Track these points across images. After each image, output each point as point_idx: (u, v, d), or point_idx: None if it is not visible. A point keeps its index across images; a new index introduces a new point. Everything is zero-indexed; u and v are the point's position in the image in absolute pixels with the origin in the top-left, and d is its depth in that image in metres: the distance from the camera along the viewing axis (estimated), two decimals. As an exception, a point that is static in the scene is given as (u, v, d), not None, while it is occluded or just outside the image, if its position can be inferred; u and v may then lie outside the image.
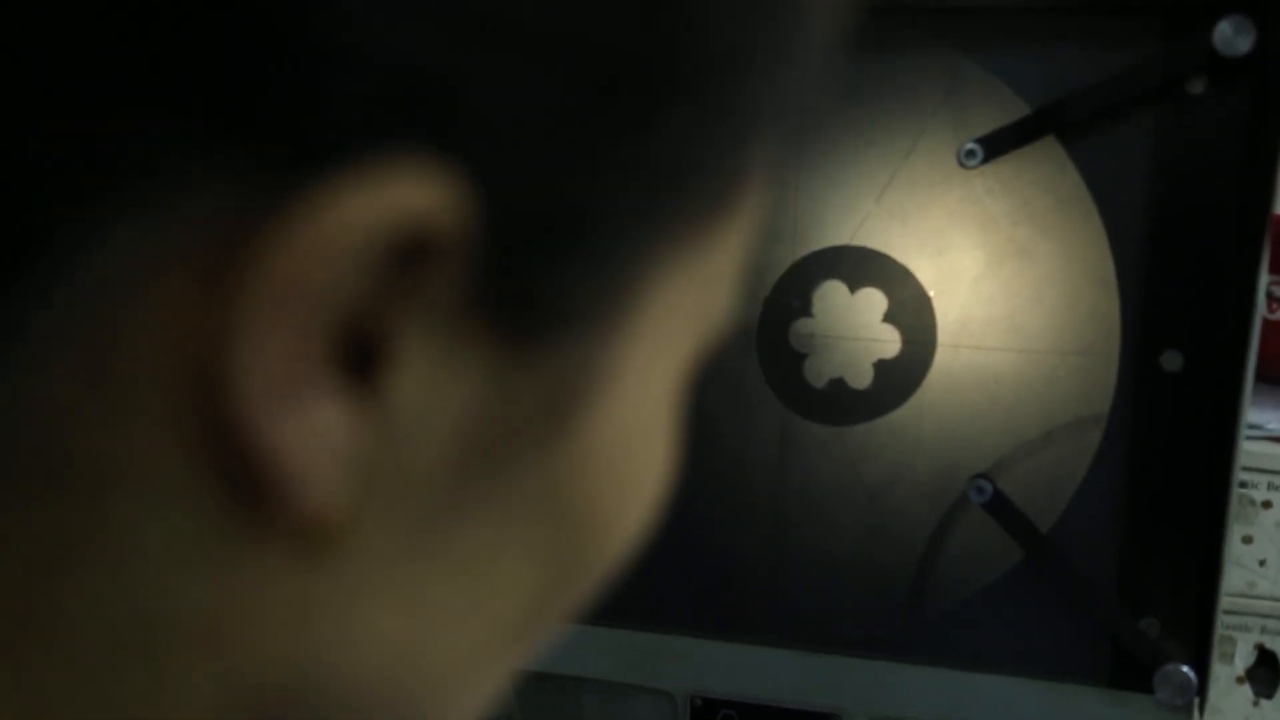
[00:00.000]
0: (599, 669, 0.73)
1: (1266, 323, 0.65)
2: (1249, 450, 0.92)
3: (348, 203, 0.16)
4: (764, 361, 0.69)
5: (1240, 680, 1.02)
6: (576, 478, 0.21)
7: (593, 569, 0.23)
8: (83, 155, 0.15)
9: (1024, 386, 0.66)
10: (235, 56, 0.15)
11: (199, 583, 0.17)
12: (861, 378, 0.68)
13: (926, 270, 0.66)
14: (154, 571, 0.17)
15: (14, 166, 0.15)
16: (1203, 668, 0.63)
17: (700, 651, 0.71)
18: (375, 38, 0.15)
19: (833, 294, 0.68)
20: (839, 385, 0.68)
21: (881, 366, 0.67)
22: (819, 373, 0.68)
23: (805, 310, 0.68)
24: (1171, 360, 0.63)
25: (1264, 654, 1.02)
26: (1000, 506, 0.66)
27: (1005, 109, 0.64)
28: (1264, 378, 0.90)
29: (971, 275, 0.66)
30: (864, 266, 0.67)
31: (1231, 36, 0.58)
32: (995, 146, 0.64)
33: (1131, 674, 0.65)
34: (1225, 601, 0.65)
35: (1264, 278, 0.61)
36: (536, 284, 0.18)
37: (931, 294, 0.66)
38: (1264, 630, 1.02)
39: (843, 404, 0.68)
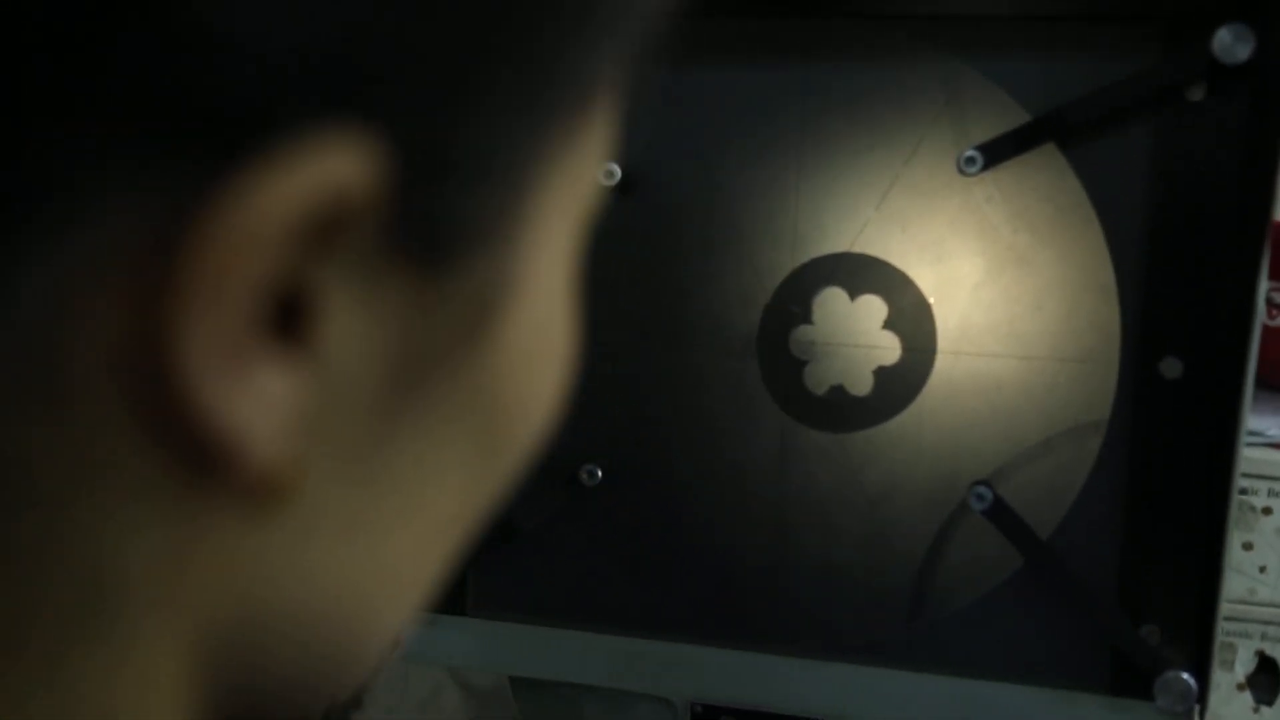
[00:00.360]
0: (599, 676, 0.73)
1: (1266, 329, 0.65)
2: (1249, 457, 0.92)
3: (267, 185, 0.16)
4: (764, 368, 0.69)
5: (1241, 687, 1.02)
6: (499, 382, 0.22)
7: (514, 463, 0.24)
8: None
9: (1024, 393, 0.66)
10: (130, 58, 0.15)
11: (158, 557, 0.18)
12: (862, 385, 0.68)
13: (926, 277, 0.66)
14: (112, 555, 0.18)
15: None
16: (1203, 674, 0.63)
17: (701, 658, 0.71)
18: (267, 23, 0.16)
19: (833, 301, 0.68)
20: (839, 392, 0.68)
21: (881, 373, 0.67)
22: (819, 379, 0.68)
23: (805, 317, 0.68)
24: (1171, 367, 0.63)
25: (1264, 660, 1.02)
26: (1000, 513, 0.66)
27: (1005, 116, 0.64)
28: (1264, 384, 0.90)
29: (971, 282, 0.66)
30: (864, 273, 0.67)
31: (1231, 44, 0.58)
32: (995, 154, 0.64)
33: (1132, 681, 0.65)
34: (1225, 608, 0.65)
35: (1264, 284, 0.61)
36: (443, 216, 0.19)
37: (931, 301, 0.66)
38: (1264, 637, 1.02)
39: (843, 411, 0.68)
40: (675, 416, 0.70)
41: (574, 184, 0.22)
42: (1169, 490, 0.64)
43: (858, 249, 0.67)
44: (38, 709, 0.18)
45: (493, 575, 0.74)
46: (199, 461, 0.17)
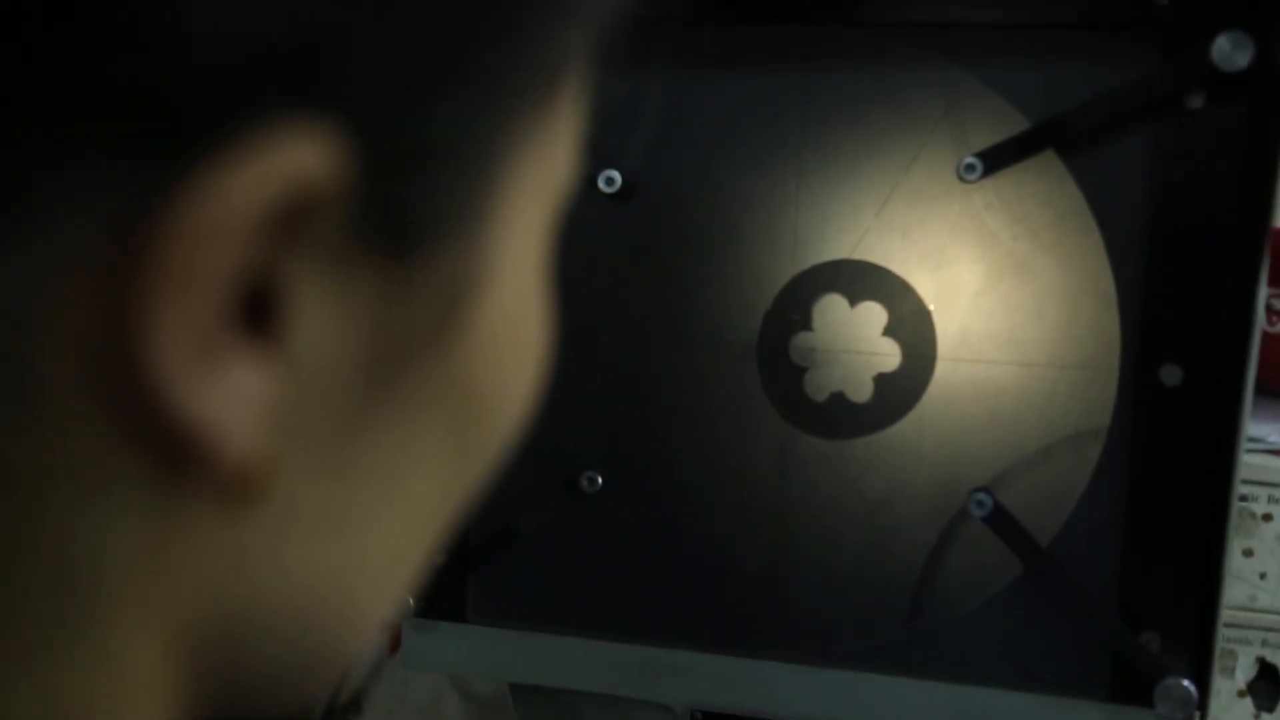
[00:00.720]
0: (599, 683, 0.73)
1: (1266, 336, 0.65)
2: (1249, 463, 0.92)
3: (230, 177, 0.16)
4: (764, 375, 0.69)
5: (1241, 694, 1.02)
6: (471, 371, 0.22)
7: (490, 453, 0.24)
8: None
9: (1024, 400, 0.66)
10: (89, 53, 0.15)
11: (133, 552, 0.18)
12: (862, 391, 0.68)
13: (926, 284, 0.66)
14: (87, 550, 0.18)
15: None
16: (1204, 681, 0.63)
17: (700, 665, 0.71)
18: (223, 15, 0.16)
19: (833, 308, 0.68)
20: (839, 399, 0.68)
21: (881, 380, 0.67)
22: (819, 386, 0.68)
23: (805, 324, 0.68)
24: (1171, 374, 0.63)
25: (1265, 667, 1.02)
26: (1000, 520, 0.66)
27: (1004, 124, 0.64)
28: (1264, 391, 0.90)
29: (971, 289, 0.66)
30: (864, 280, 0.67)
31: (1230, 51, 0.58)
32: (995, 161, 0.64)
33: (1132, 688, 0.65)
34: (1226, 615, 0.65)
35: (1263, 291, 0.61)
36: (411, 203, 0.19)
37: (931, 308, 0.66)
38: (1265, 643, 1.02)
39: (843, 418, 0.68)
40: (675, 423, 0.71)
41: (543, 169, 0.22)
42: (1169, 497, 0.64)
43: (858, 256, 0.67)
44: (20, 698, 0.18)
45: (493, 582, 0.74)
46: (172, 457, 0.17)
